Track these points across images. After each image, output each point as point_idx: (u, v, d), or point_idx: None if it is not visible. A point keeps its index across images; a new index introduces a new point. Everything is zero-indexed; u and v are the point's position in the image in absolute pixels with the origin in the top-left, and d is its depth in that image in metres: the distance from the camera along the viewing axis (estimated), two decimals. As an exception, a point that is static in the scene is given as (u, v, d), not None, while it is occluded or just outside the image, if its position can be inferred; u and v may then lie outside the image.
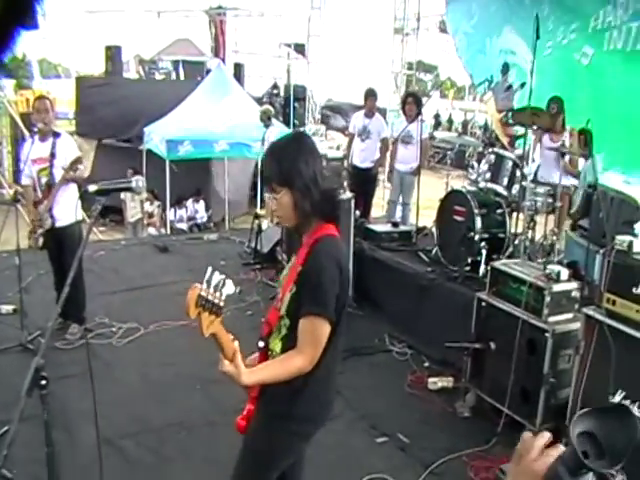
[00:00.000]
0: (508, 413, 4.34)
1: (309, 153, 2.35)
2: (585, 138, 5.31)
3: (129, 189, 2.41)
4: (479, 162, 6.26)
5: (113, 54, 15.53)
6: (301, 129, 14.67)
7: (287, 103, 15.33)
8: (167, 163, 11.38)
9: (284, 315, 2.34)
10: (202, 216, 12.83)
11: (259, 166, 11.90)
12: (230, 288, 2.04)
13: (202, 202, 12.84)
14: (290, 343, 2.30)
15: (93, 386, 2.57)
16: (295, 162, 2.29)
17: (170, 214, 12.70)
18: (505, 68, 9.78)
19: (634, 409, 3.43)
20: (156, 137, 11.69)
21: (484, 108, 21.88)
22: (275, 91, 16.93)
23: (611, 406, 1.08)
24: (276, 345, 2.37)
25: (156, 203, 12.87)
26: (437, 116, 21.86)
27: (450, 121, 21.68)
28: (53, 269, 5.84)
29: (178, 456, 4.04)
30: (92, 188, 2.34)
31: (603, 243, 5.69)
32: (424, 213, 7.46)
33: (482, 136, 17.31)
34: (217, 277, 1.99)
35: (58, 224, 5.52)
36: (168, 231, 12.21)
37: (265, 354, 2.39)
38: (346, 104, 20.21)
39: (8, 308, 6.27)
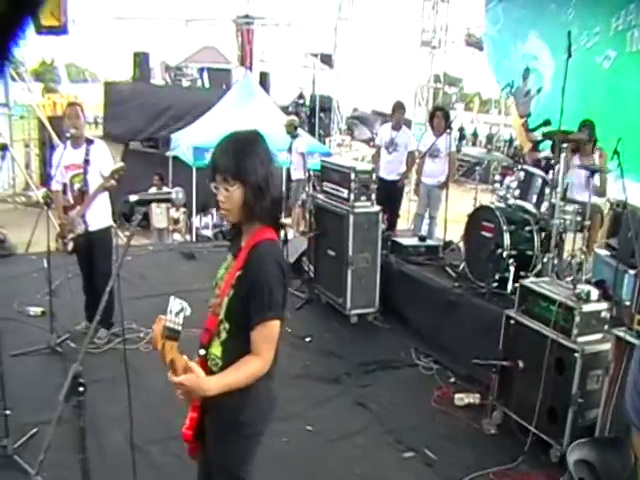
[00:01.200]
0: (535, 432, 4.33)
1: (265, 154, 2.36)
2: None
3: (169, 200, 2.43)
4: (504, 177, 6.28)
5: (141, 60, 15.72)
6: (324, 140, 14.77)
7: (313, 113, 15.40)
8: (194, 170, 11.47)
9: (223, 319, 2.36)
10: (227, 224, 12.87)
11: (284, 175, 12.02)
12: (188, 311, 2.16)
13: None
14: (231, 346, 2.34)
15: (129, 392, 2.60)
16: (253, 160, 2.31)
17: (196, 221, 12.79)
18: (526, 73, 9.78)
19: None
20: (183, 144, 11.80)
21: (509, 122, 21.90)
22: (301, 101, 17.02)
23: (606, 437, 1.16)
24: (217, 350, 2.38)
25: (182, 210, 12.95)
26: (462, 129, 21.82)
27: (475, 134, 21.62)
28: (83, 273, 5.90)
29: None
30: (133, 198, 2.36)
31: (632, 263, 5.68)
32: (450, 227, 7.46)
33: (507, 150, 17.28)
34: (177, 304, 2.14)
35: (91, 229, 5.58)
36: (194, 238, 12.28)
37: (204, 361, 2.40)
38: (371, 114, 20.27)
39: (37, 310, 6.35)
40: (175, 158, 12.49)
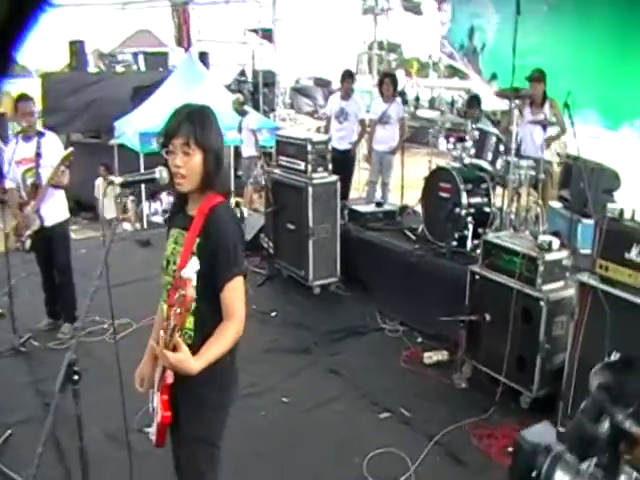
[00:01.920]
0: (505, 382, 4.46)
1: (217, 126, 2.45)
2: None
3: (153, 180, 2.41)
4: (447, 139, 6.38)
5: (77, 49, 15.26)
6: (269, 115, 14.65)
7: (256, 89, 15.26)
8: (141, 156, 11.27)
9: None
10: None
11: (232, 154, 11.90)
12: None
13: (177, 194, 12.74)
14: (201, 313, 2.38)
15: (121, 379, 2.55)
16: (212, 130, 2.40)
17: (145, 208, 12.59)
18: (471, 32, 9.81)
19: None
20: (128, 131, 11.57)
21: (448, 84, 22.07)
22: (243, 78, 16.83)
23: (621, 358, 1.21)
24: (189, 322, 2.39)
25: (130, 198, 12.74)
26: (403, 94, 21.90)
27: (417, 99, 21.68)
28: (41, 270, 5.78)
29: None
30: (117, 180, 2.36)
31: (584, 212, 5.85)
32: (400, 193, 7.55)
33: (449, 112, 17.42)
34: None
35: (47, 223, 5.44)
36: (145, 225, 12.11)
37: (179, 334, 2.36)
38: (313, 86, 20.22)
39: (-5, 312, 6.20)
40: (120, 146, 12.24)
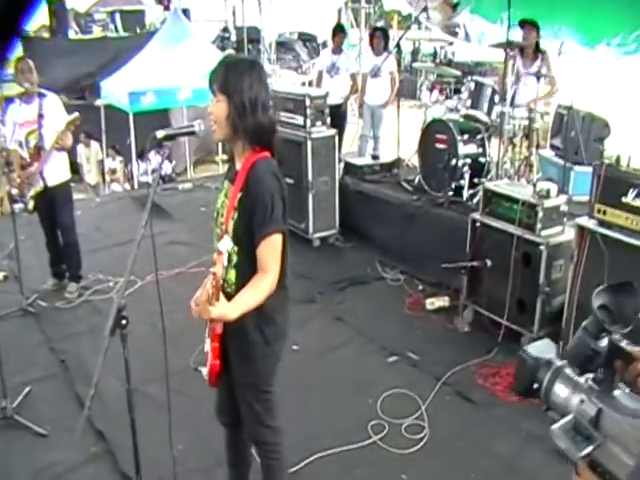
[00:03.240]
0: (506, 324, 4.66)
1: (257, 80, 2.46)
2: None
3: (192, 133, 2.49)
4: (431, 91, 6.47)
5: (58, 10, 14.95)
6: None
7: (240, 46, 15.10)
8: (130, 116, 11.21)
9: (232, 243, 2.44)
10: (166, 167, 12.74)
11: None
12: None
13: (166, 152, 12.67)
14: (244, 267, 2.46)
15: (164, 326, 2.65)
16: (241, 79, 2.41)
17: (134, 168, 12.57)
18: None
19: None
20: (116, 90, 11.47)
21: (432, 36, 21.92)
22: (227, 34, 16.66)
23: (620, 283, 1.34)
24: (230, 274, 2.49)
25: (118, 158, 12.70)
26: (398, 46, 21.68)
27: (399, 51, 21.53)
28: (45, 231, 5.82)
29: (205, 393, 4.21)
30: (160, 134, 2.41)
31: (576, 160, 5.99)
32: (392, 146, 7.62)
33: (432, 63, 17.40)
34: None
35: (49, 184, 5.49)
36: (136, 186, 12.10)
37: (222, 286, 2.45)
38: (296, 40, 20.06)
39: (-1, 275, 6.28)
40: (107, 106, 12.15)
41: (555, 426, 1.36)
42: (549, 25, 6.58)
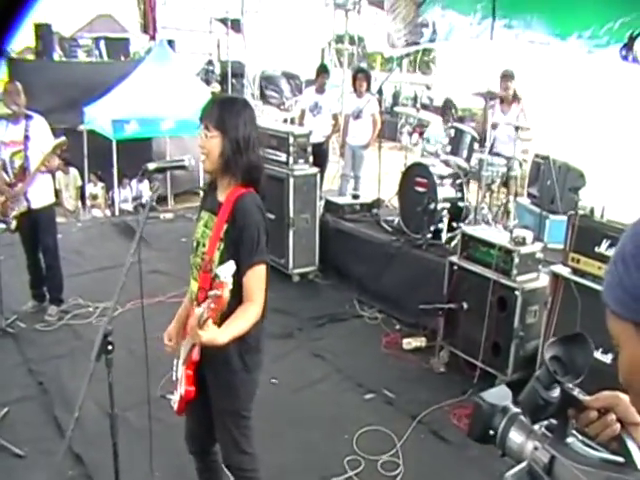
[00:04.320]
0: (481, 366, 4.77)
1: (250, 118, 2.63)
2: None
3: (183, 167, 2.60)
4: (411, 135, 6.66)
5: (44, 32, 15.03)
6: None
7: (224, 79, 15.30)
8: (113, 143, 11.28)
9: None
10: (147, 196, 12.77)
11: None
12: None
13: (146, 182, 12.77)
14: (229, 297, 2.49)
15: (147, 349, 2.72)
16: (237, 116, 2.56)
17: (115, 195, 12.59)
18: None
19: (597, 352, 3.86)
20: (100, 117, 11.54)
21: (412, 79, 22.39)
22: (211, 67, 16.87)
23: (572, 335, 1.43)
24: None
25: (100, 184, 12.71)
26: (380, 91, 22.05)
27: (380, 92, 21.93)
28: (27, 253, 5.86)
29: (181, 420, 4.24)
30: (151, 166, 2.52)
31: (551, 208, 6.20)
32: (372, 186, 7.78)
33: (414, 108, 17.77)
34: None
35: (33, 206, 5.54)
36: (117, 212, 12.12)
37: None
38: (280, 75, 20.31)
39: (-22, 295, 6.25)
40: (90, 132, 12.20)
41: (509, 473, 1.40)
42: (521, 15, 6.59)
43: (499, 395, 1.57)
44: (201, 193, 12.25)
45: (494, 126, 6.18)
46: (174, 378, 2.83)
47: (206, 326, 2.28)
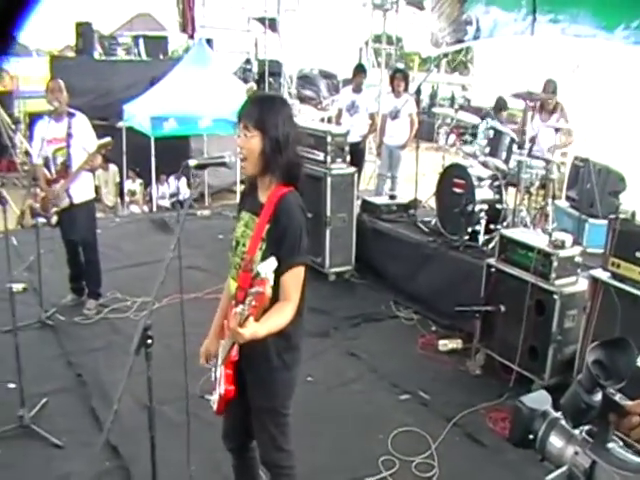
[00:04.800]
0: (518, 370, 4.73)
1: (289, 117, 2.61)
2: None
3: (224, 164, 2.61)
4: (448, 136, 6.62)
5: (84, 31, 15.30)
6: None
7: (261, 78, 15.38)
8: (152, 140, 11.43)
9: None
10: (184, 192, 12.94)
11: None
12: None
13: (183, 179, 12.93)
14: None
15: (185, 352, 2.76)
16: (276, 115, 2.53)
17: (153, 191, 12.76)
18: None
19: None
20: (139, 114, 11.70)
21: (449, 79, 22.31)
22: (249, 66, 16.95)
23: (615, 339, 1.40)
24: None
25: (138, 181, 12.91)
26: (419, 91, 22.00)
27: (418, 92, 21.87)
28: (67, 247, 5.98)
29: (220, 420, 4.29)
30: (192, 163, 2.55)
31: (590, 212, 6.12)
32: (408, 186, 7.77)
33: (451, 108, 17.66)
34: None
35: (75, 201, 5.65)
36: (154, 208, 12.28)
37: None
38: (317, 75, 20.36)
39: (18, 287, 6.36)
40: (128, 129, 12.38)
41: (549, 477, 1.41)
42: (567, 9, 6.51)
43: (539, 399, 1.57)
44: (237, 191, 12.39)
45: (533, 129, 6.12)
46: (212, 378, 2.85)
47: (247, 323, 2.28)
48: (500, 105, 8.01)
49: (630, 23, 5.81)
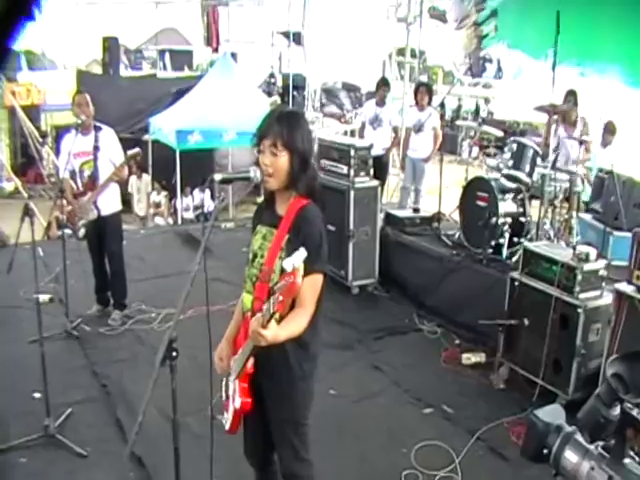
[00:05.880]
0: (542, 384, 4.70)
1: (308, 131, 2.67)
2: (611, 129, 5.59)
3: (248, 179, 2.64)
4: (471, 148, 6.61)
5: (110, 45, 15.57)
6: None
7: (285, 91, 15.50)
8: (177, 153, 11.57)
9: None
10: (209, 205, 13.02)
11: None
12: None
13: (207, 191, 13.01)
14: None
15: (211, 358, 2.79)
16: (303, 133, 2.59)
17: (178, 203, 12.90)
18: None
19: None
20: (165, 128, 11.86)
21: (472, 92, 22.23)
22: (273, 80, 17.11)
23: (634, 352, 1.39)
24: None
25: (163, 193, 13.05)
26: (443, 105, 22.02)
27: (442, 105, 21.85)
28: (93, 258, 6.07)
29: (241, 429, 4.31)
30: (217, 177, 2.56)
31: (615, 225, 6.07)
32: (430, 199, 7.77)
33: (474, 121, 17.64)
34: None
35: (102, 213, 5.75)
36: (179, 221, 12.40)
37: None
38: (340, 88, 20.46)
39: (44, 297, 6.46)
40: (154, 142, 12.55)
41: None
42: (596, 63, 6.52)
43: (553, 413, 1.57)
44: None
45: (558, 140, 6.11)
46: (224, 398, 2.86)
47: (269, 325, 2.29)
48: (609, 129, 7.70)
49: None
